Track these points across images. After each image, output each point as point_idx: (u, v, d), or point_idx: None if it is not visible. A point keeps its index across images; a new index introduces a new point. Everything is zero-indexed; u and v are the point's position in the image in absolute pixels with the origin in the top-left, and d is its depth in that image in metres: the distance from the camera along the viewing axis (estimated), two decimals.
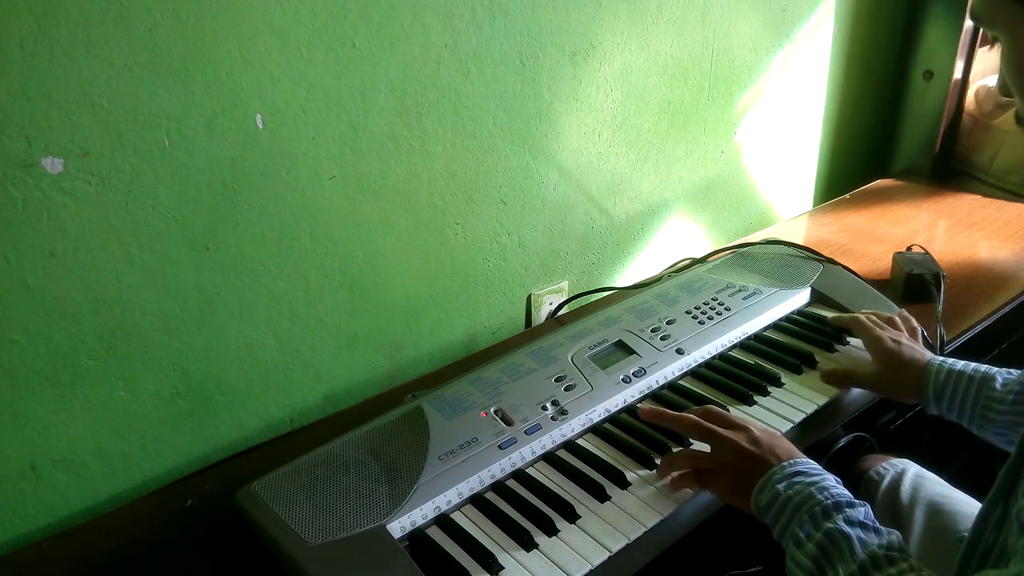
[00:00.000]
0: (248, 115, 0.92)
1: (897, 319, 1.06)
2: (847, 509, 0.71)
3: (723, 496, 0.82)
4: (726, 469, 0.81)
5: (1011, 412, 0.88)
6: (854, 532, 0.68)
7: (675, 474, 0.85)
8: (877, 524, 0.71)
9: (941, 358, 0.95)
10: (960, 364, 0.93)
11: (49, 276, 0.84)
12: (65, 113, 0.80)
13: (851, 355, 1.08)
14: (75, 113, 0.80)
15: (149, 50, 0.83)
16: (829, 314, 1.16)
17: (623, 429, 0.94)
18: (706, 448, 0.84)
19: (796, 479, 0.75)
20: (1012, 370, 0.92)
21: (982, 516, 0.70)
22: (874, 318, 1.05)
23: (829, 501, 0.71)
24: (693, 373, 1.05)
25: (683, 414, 0.87)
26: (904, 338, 1.00)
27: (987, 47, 1.72)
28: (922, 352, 0.98)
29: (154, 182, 0.88)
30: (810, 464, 0.78)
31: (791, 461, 0.77)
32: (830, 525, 0.69)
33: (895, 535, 0.70)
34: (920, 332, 1.06)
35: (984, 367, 0.93)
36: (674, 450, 0.89)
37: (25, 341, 0.85)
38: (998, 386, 0.90)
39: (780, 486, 0.75)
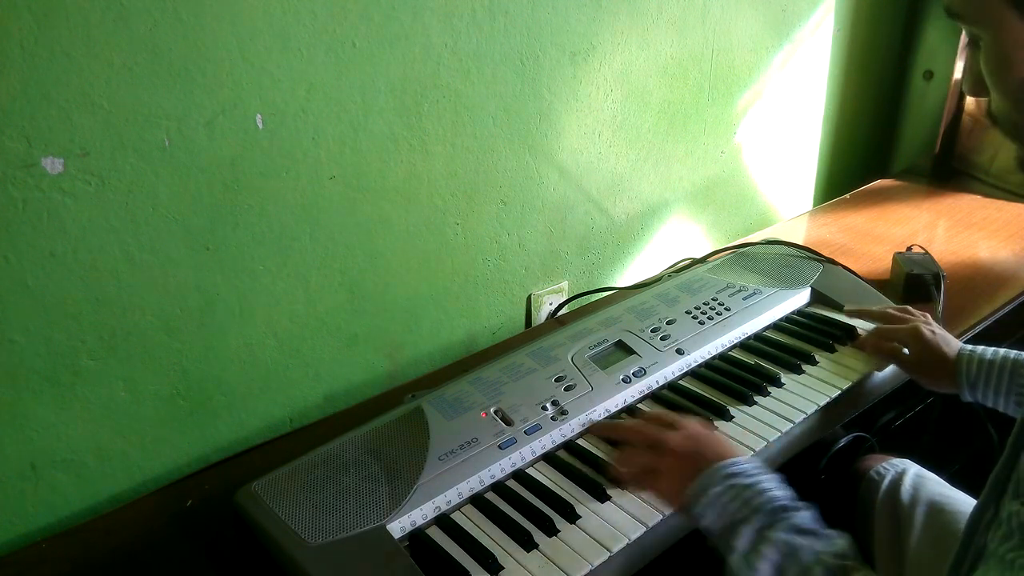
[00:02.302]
0: (248, 115, 0.92)
1: (910, 310, 1.09)
2: (791, 514, 0.68)
3: (663, 500, 0.79)
4: (663, 470, 0.78)
5: None
6: (800, 540, 0.66)
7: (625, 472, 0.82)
8: (822, 529, 0.68)
9: (970, 347, 0.97)
10: (989, 352, 0.96)
11: (49, 276, 0.84)
12: (65, 113, 0.80)
13: (852, 354, 1.08)
14: (75, 113, 0.80)
15: (149, 50, 0.83)
16: (830, 314, 1.16)
17: None
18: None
19: (732, 481, 0.71)
20: None
21: (974, 518, 0.69)
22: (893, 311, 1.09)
23: (769, 507, 0.68)
24: (693, 373, 1.05)
25: (622, 421, 0.86)
26: (936, 327, 1.02)
27: None
28: (953, 341, 1.00)
29: (154, 182, 0.88)
30: (746, 464, 0.74)
31: (726, 462, 0.74)
32: (774, 534, 0.66)
33: (844, 538, 0.67)
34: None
35: (1013, 352, 0.95)
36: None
37: (25, 341, 0.85)
38: None
39: (715, 490, 0.71)
